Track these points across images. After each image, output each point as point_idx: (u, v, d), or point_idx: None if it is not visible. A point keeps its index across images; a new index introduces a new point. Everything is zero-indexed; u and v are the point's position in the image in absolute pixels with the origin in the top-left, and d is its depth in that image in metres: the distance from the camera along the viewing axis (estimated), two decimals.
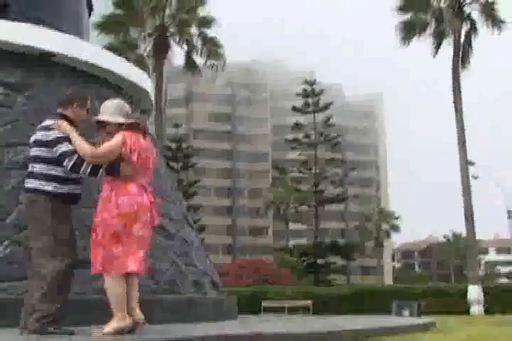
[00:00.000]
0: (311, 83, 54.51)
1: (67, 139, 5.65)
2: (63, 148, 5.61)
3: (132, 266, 5.46)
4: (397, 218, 77.15)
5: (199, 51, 32.66)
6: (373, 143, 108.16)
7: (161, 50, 32.06)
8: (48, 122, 5.87)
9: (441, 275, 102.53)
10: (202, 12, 32.57)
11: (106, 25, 31.23)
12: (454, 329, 9.24)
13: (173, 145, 55.22)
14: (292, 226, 74.03)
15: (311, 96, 54.12)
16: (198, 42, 32.72)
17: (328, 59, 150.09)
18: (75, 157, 5.57)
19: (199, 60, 33.33)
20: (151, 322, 8.15)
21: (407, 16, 33.91)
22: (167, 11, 32.15)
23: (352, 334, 6.45)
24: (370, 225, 79.48)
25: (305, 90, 54.58)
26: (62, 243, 5.58)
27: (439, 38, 33.19)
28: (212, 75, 37.02)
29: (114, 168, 5.59)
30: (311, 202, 54.89)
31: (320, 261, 51.26)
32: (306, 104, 54.39)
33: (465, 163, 30.28)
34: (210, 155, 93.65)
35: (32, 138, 5.88)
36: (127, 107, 5.92)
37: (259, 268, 40.71)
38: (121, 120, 5.74)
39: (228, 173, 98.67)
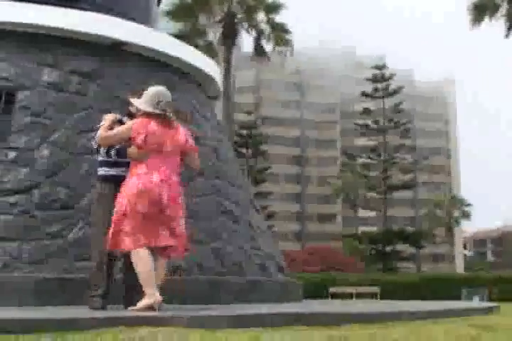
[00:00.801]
0: (381, 67, 53.92)
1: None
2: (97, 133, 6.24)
3: (127, 244, 5.73)
4: (468, 205, 75.72)
5: (267, 37, 32.76)
6: (444, 130, 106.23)
7: (229, 36, 32.33)
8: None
9: None
10: None
11: (175, 13, 31.62)
12: None
13: (244, 132, 55.59)
14: (361, 213, 73.62)
15: (381, 81, 53.56)
16: (266, 29, 32.82)
17: (397, 44, 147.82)
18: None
19: (267, 46, 33.44)
20: (216, 302, 8.41)
21: None
22: None
23: (410, 316, 6.52)
24: (440, 212, 78.27)
25: (374, 75, 54.04)
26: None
27: (511, 19, 32.55)
28: (281, 62, 37.05)
29: (123, 151, 6.06)
30: (380, 189, 54.47)
31: (388, 249, 50.89)
32: (376, 89, 53.87)
33: None
34: (279, 142, 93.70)
35: None
36: (164, 96, 6.09)
37: (327, 256, 40.80)
38: (148, 109, 5.98)
39: (297, 160, 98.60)
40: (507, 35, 33.31)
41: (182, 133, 6.05)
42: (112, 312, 5.45)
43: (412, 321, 6.38)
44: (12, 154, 8.55)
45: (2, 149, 8.56)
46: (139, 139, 5.83)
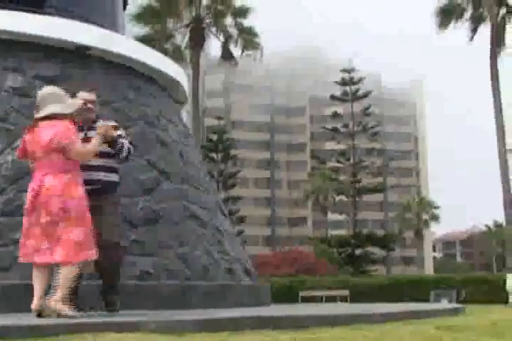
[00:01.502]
0: (349, 71, 54.24)
1: None
2: None
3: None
4: (437, 208, 76.39)
5: (235, 41, 32.82)
6: (413, 132, 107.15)
7: (197, 41, 32.33)
8: None
9: (483, 265, 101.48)
10: (237, 2, 32.71)
11: (143, 16, 31.53)
12: (481, 315, 9.29)
13: (214, 137, 55.52)
14: (331, 216, 73.92)
15: (350, 85, 53.89)
16: (234, 33, 32.88)
17: (364, 48, 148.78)
18: None
19: (236, 50, 33.49)
20: (185, 307, 8.39)
21: (444, 1, 33.88)
22: (203, 2, 32.37)
23: (378, 317, 6.56)
24: (409, 215, 78.88)
25: (343, 78, 54.34)
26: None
27: (475, 23, 33.11)
28: (250, 66, 37.16)
29: None
30: (350, 192, 54.76)
31: (359, 252, 51.14)
32: (345, 93, 54.19)
33: (504, 150, 30.07)
34: (249, 146, 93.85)
35: None
36: (40, 98, 6.29)
37: (298, 259, 40.82)
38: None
39: (267, 164, 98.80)
40: (472, 38, 33.87)
41: (45, 133, 5.87)
42: (78, 319, 5.41)
43: (382, 323, 6.43)
44: None
45: None
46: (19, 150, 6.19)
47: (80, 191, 5.79)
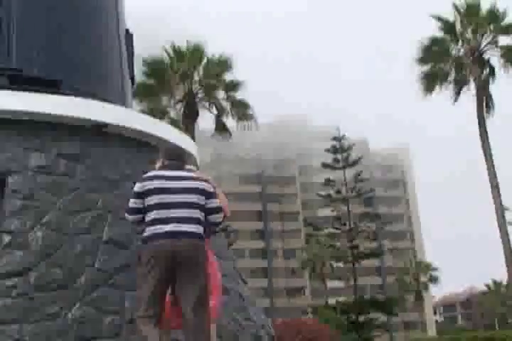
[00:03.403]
0: (339, 139, 55.08)
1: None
2: (218, 202, 6.16)
3: None
4: (434, 269, 76.31)
5: (228, 114, 33.59)
6: (404, 196, 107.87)
7: (190, 115, 33.03)
8: (195, 174, 6.41)
9: (486, 325, 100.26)
10: (228, 77, 33.60)
11: (138, 93, 32.26)
12: None
13: None
14: (329, 284, 73.45)
15: (340, 152, 54.61)
16: (226, 105, 33.67)
17: (349, 112, 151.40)
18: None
19: (229, 121, 34.22)
20: None
21: (427, 67, 34.90)
22: (195, 77, 33.28)
23: None
24: (408, 278, 78.59)
25: (334, 146, 55.11)
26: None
27: (459, 85, 34.10)
28: (238, 138, 37.82)
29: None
30: (348, 258, 54.63)
31: (362, 318, 50.63)
32: (336, 160, 54.84)
33: (500, 208, 30.41)
34: (241, 216, 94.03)
35: (189, 185, 6.12)
36: None
37: (301, 329, 40.32)
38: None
39: (261, 234, 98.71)
40: (455, 100, 34.84)
41: None
42: None
43: None
44: (7, 238, 8.66)
45: None
46: None
47: None
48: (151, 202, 5.93)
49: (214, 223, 6.17)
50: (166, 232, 5.78)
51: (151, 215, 5.91)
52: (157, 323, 5.83)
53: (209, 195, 6.09)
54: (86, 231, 9.12)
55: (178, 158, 6.57)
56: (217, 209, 6.09)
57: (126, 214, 6.21)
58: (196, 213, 5.96)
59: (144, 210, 6.02)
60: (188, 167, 6.68)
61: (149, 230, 5.87)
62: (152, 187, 6.01)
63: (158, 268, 5.73)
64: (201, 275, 5.83)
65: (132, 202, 6.11)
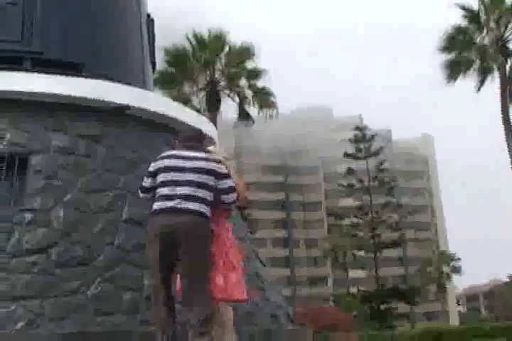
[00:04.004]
0: (362, 129, 54.98)
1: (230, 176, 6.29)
2: (232, 183, 6.21)
3: None
4: (457, 260, 75.92)
5: (250, 102, 33.57)
6: (426, 187, 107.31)
7: (213, 103, 33.09)
8: (211, 156, 6.36)
9: (508, 317, 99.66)
10: (250, 65, 33.57)
11: (160, 81, 32.36)
12: None
13: None
14: (352, 273, 73.38)
15: (362, 142, 54.47)
16: (249, 94, 33.65)
17: (371, 104, 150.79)
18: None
19: (251, 110, 34.14)
20: None
21: (451, 56, 34.67)
22: (217, 66, 33.32)
23: None
24: (430, 269, 78.27)
25: (356, 136, 55.00)
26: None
27: (483, 74, 33.85)
28: (261, 128, 37.74)
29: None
30: (369, 248, 54.64)
31: (383, 307, 50.69)
32: (358, 150, 54.73)
33: None
34: (264, 206, 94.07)
35: (199, 165, 6.15)
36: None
37: (321, 315, 40.47)
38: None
39: (284, 224, 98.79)
40: (479, 89, 34.63)
41: None
42: None
43: None
44: (29, 216, 8.87)
45: (19, 211, 8.88)
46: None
47: None
48: (160, 180, 6.09)
49: (227, 203, 6.26)
50: (169, 208, 5.91)
51: (159, 192, 6.06)
52: (164, 294, 5.91)
53: (220, 176, 6.17)
54: (106, 211, 9.32)
55: (194, 139, 6.66)
56: (230, 190, 6.17)
57: (138, 192, 6.36)
58: (202, 193, 6.03)
59: (154, 188, 6.18)
60: (208, 148, 6.75)
61: (155, 205, 6.03)
62: (163, 165, 6.14)
63: (158, 240, 5.82)
64: (200, 251, 5.85)
65: (144, 181, 6.28)
